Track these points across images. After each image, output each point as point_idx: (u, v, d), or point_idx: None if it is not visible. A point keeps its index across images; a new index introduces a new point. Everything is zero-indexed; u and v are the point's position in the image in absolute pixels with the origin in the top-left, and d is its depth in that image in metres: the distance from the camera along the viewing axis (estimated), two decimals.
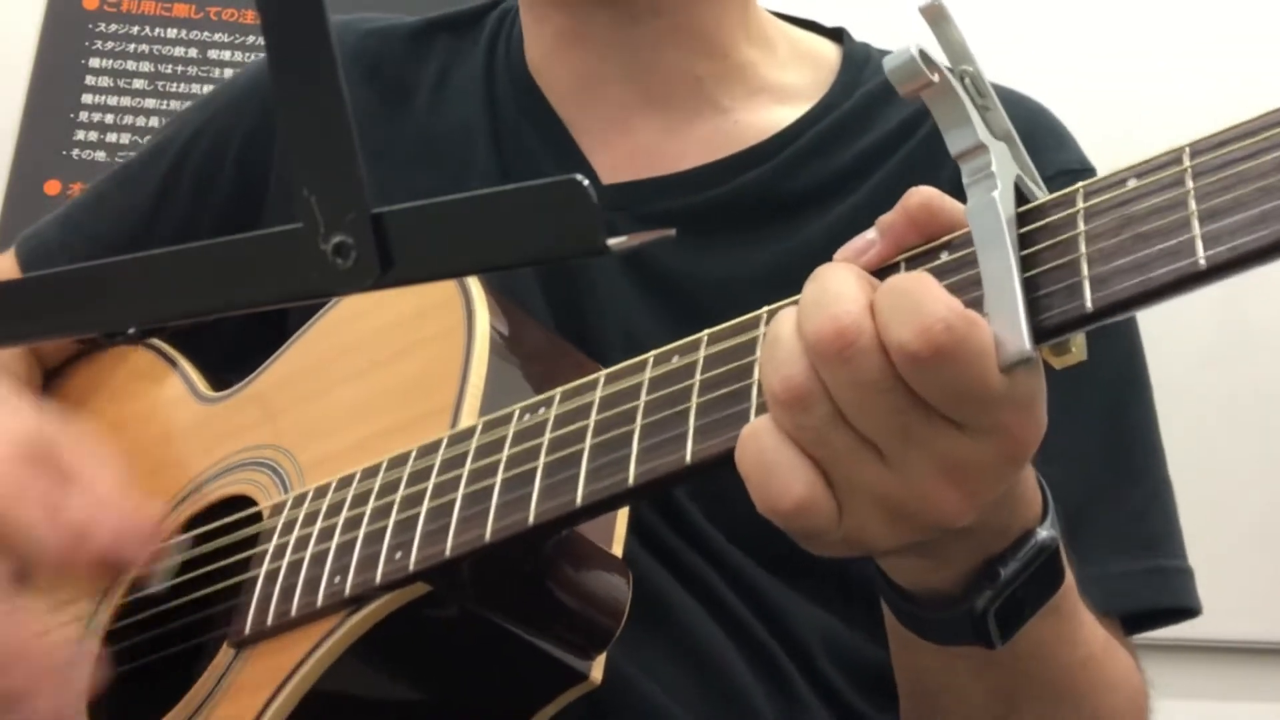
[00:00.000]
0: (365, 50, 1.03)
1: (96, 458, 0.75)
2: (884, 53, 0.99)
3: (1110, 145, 0.99)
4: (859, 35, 1.03)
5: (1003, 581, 0.63)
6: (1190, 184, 0.52)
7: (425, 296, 0.80)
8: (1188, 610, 0.87)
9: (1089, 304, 0.53)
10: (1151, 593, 0.85)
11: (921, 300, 0.54)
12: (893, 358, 0.54)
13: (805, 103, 0.96)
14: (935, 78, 0.56)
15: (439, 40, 1.04)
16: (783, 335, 0.57)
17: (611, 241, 0.42)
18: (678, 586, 0.83)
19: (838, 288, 0.56)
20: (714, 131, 0.95)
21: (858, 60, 0.98)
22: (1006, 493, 0.61)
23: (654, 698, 0.80)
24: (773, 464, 0.57)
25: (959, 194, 0.59)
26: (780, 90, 0.97)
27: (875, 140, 0.93)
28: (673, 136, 0.95)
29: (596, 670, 0.73)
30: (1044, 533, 0.64)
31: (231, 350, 0.93)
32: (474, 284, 0.79)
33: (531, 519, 0.65)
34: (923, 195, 0.59)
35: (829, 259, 0.61)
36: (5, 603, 0.66)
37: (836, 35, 1.02)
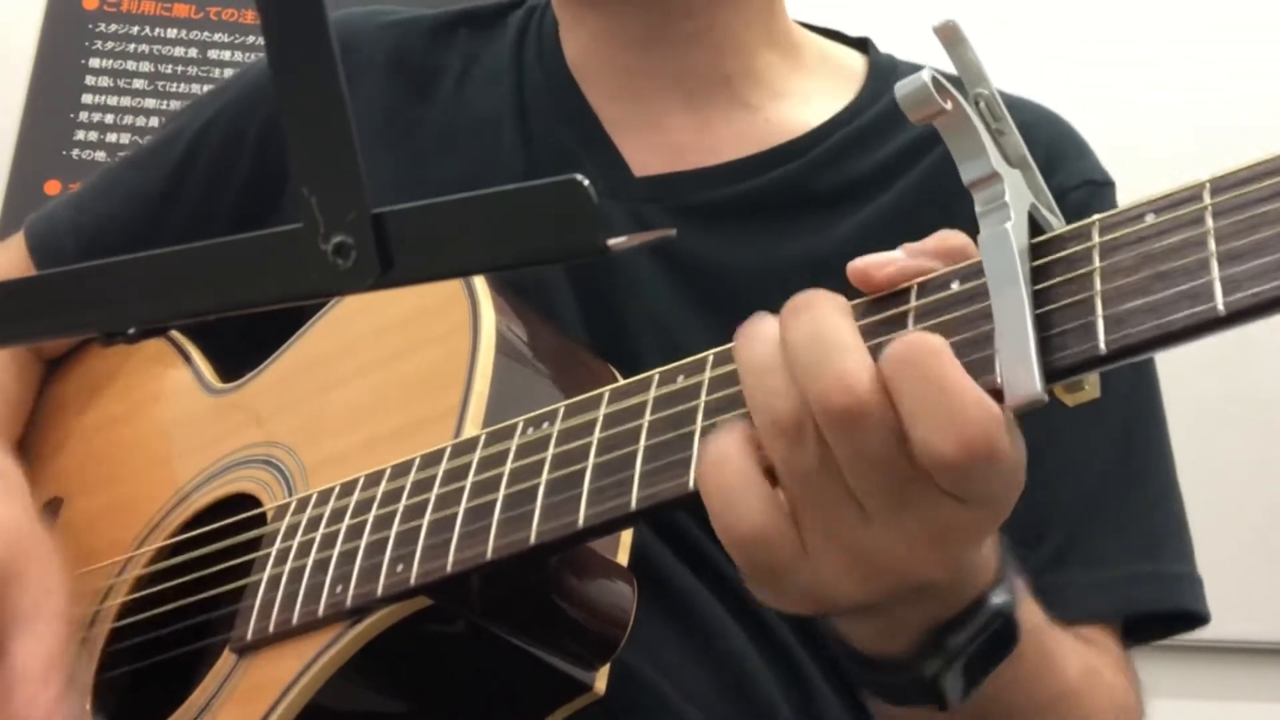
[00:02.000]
0: (386, 41, 1.04)
1: (44, 610, 0.72)
2: (908, 64, 1.00)
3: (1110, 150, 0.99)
4: (882, 47, 1.04)
5: (951, 650, 0.61)
6: (1210, 223, 0.51)
7: (430, 294, 0.79)
8: (1193, 615, 0.85)
9: (1103, 346, 0.51)
10: (1154, 597, 0.85)
11: (955, 404, 0.52)
12: (919, 457, 0.52)
13: (833, 106, 0.97)
14: (948, 105, 0.55)
15: (460, 34, 1.05)
16: (770, 364, 0.55)
17: (611, 242, 0.42)
18: (695, 579, 0.83)
19: (849, 360, 0.54)
20: (746, 128, 0.96)
21: (884, 69, 1.00)
22: (969, 564, 0.60)
23: (668, 695, 0.79)
24: (737, 488, 0.55)
25: None
26: (807, 93, 0.98)
27: (905, 144, 0.93)
28: (705, 132, 0.96)
29: (600, 681, 0.73)
30: (997, 599, 0.63)
31: (241, 338, 0.92)
32: (479, 281, 0.79)
33: (533, 538, 0.64)
34: (962, 238, 0.59)
35: (854, 258, 0.60)
36: None
37: (862, 45, 1.04)
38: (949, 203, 0.75)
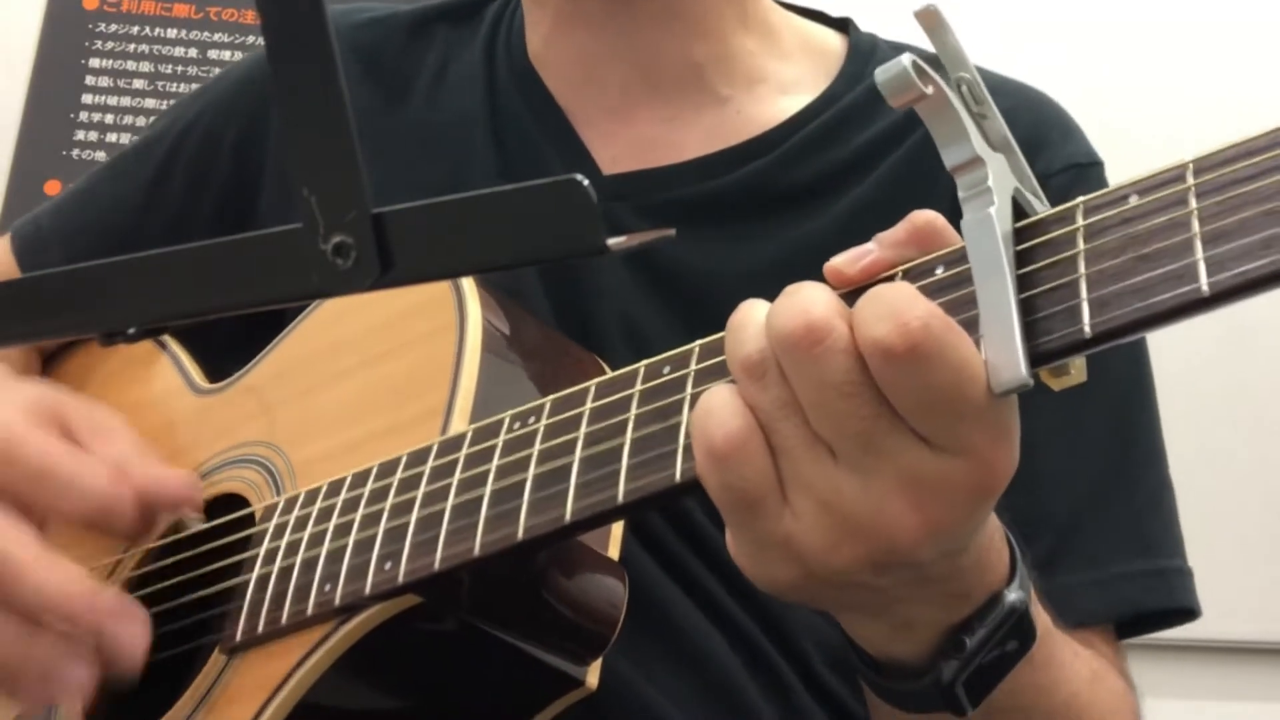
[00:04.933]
0: (362, 41, 1.03)
1: (109, 422, 0.80)
2: (891, 44, 0.98)
3: (1106, 135, 0.99)
4: (865, 26, 1.02)
5: (969, 651, 0.60)
6: (1194, 204, 0.50)
7: (417, 291, 0.79)
8: (1187, 611, 0.85)
9: (1088, 329, 0.51)
10: (1150, 595, 0.84)
11: (902, 301, 0.53)
12: (866, 356, 0.53)
13: (808, 93, 0.95)
14: (929, 90, 0.55)
15: (438, 31, 1.04)
16: (750, 320, 0.57)
17: (611, 242, 0.42)
18: (676, 589, 0.83)
19: (810, 291, 0.56)
20: (716, 121, 0.94)
21: (863, 51, 0.98)
22: (970, 553, 0.59)
23: (651, 701, 0.79)
24: (715, 406, 0.56)
25: None
26: (783, 80, 0.96)
27: (879, 133, 0.92)
28: (674, 126, 0.94)
29: (592, 676, 0.73)
30: (1012, 595, 0.62)
31: (229, 338, 0.92)
32: (466, 279, 0.79)
33: (520, 534, 0.64)
34: (928, 215, 0.59)
35: (831, 252, 0.60)
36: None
37: (843, 26, 1.02)
38: (925, 190, 0.74)
